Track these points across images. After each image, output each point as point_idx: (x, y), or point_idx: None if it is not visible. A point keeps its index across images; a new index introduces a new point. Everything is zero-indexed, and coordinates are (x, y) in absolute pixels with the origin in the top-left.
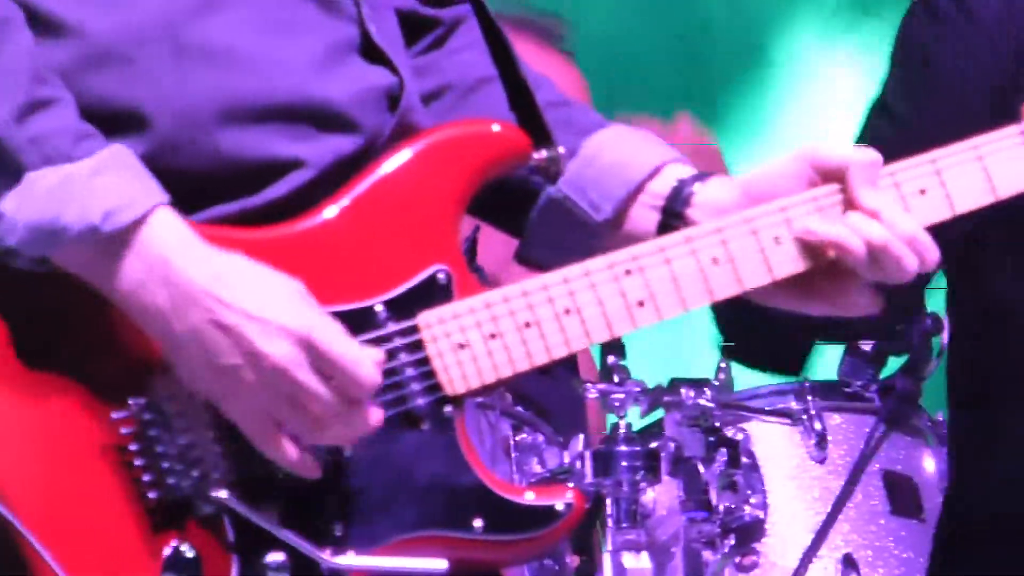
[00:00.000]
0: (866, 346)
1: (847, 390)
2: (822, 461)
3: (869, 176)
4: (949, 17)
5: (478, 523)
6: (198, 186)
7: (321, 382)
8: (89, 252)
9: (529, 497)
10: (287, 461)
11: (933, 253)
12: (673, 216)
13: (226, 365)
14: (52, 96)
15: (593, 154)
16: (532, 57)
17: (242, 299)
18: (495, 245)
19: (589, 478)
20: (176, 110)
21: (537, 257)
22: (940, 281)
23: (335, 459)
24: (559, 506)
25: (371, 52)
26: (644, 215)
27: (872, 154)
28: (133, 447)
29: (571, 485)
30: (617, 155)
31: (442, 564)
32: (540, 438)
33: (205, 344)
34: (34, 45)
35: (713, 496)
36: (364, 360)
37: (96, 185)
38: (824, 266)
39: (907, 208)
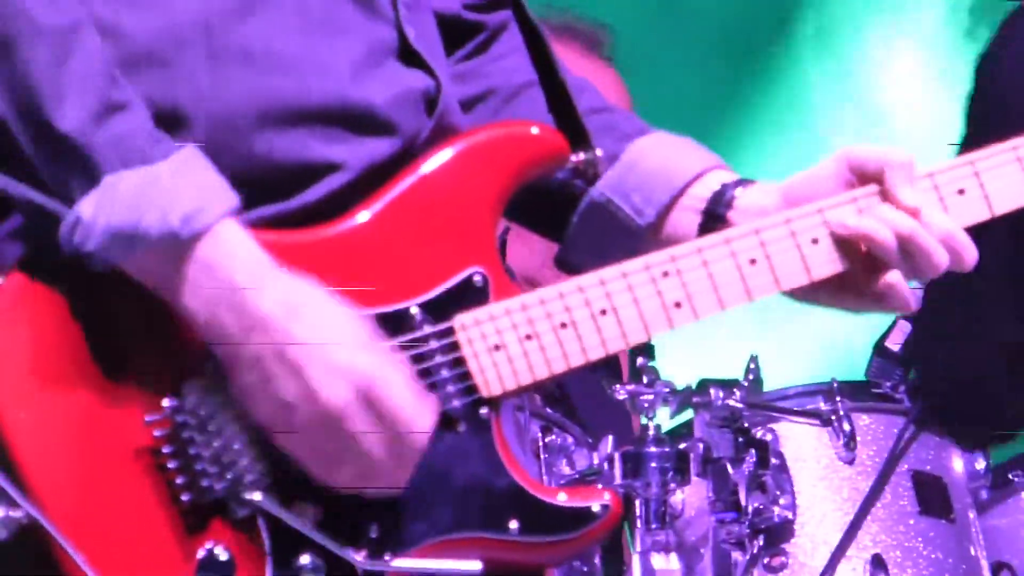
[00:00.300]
0: (894, 346)
1: (876, 391)
2: (851, 462)
3: (907, 175)
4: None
5: (514, 524)
6: (235, 189)
7: (373, 434)
8: (163, 260)
9: (565, 499)
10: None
11: (971, 251)
12: (714, 219)
13: (282, 398)
14: (126, 98)
15: (635, 159)
16: (574, 64)
17: (308, 333)
18: (527, 249)
19: (618, 479)
20: (213, 112)
21: (578, 261)
22: None
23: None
24: (595, 508)
25: (408, 55)
26: (686, 219)
27: (907, 154)
28: (167, 449)
29: (599, 487)
30: (660, 160)
31: (476, 566)
32: (569, 440)
33: (265, 373)
34: (103, 48)
35: (742, 497)
36: (421, 416)
37: (175, 187)
38: (861, 266)
39: (945, 209)
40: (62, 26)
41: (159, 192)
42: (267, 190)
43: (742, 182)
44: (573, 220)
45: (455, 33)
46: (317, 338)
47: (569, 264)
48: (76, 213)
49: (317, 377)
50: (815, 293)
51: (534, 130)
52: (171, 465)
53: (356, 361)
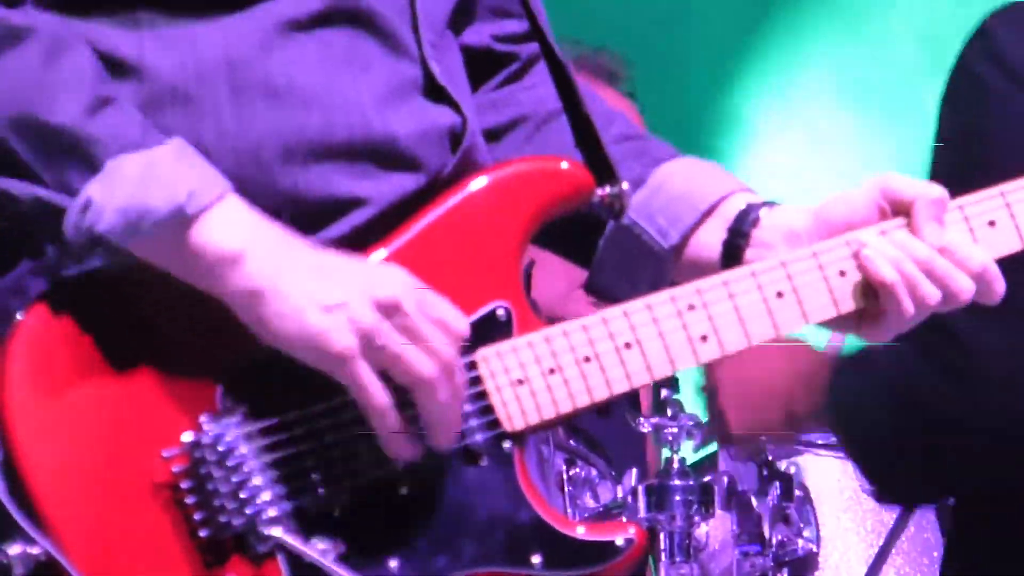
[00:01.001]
0: None
1: None
2: None
3: (935, 213)
4: (995, 89)
5: (537, 559)
6: None
7: (411, 348)
8: (173, 239)
9: (587, 532)
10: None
11: (1000, 285)
12: (739, 236)
13: (336, 352)
14: (115, 94)
15: (661, 182)
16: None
17: (305, 281)
18: (551, 279)
19: (643, 512)
20: (237, 148)
21: (606, 285)
22: None
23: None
24: (619, 542)
25: (434, 91)
26: (710, 239)
27: (939, 191)
28: (185, 484)
29: (624, 519)
30: (686, 183)
31: None
32: (593, 472)
33: (288, 337)
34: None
35: (766, 529)
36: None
37: (177, 168)
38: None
39: (975, 240)
40: (49, 32)
41: (163, 172)
42: (292, 225)
43: (768, 204)
44: (600, 244)
45: (486, 64)
46: (314, 286)
47: (597, 288)
48: (87, 195)
49: (320, 325)
50: (842, 323)
51: (564, 165)
52: (189, 500)
53: (362, 298)
